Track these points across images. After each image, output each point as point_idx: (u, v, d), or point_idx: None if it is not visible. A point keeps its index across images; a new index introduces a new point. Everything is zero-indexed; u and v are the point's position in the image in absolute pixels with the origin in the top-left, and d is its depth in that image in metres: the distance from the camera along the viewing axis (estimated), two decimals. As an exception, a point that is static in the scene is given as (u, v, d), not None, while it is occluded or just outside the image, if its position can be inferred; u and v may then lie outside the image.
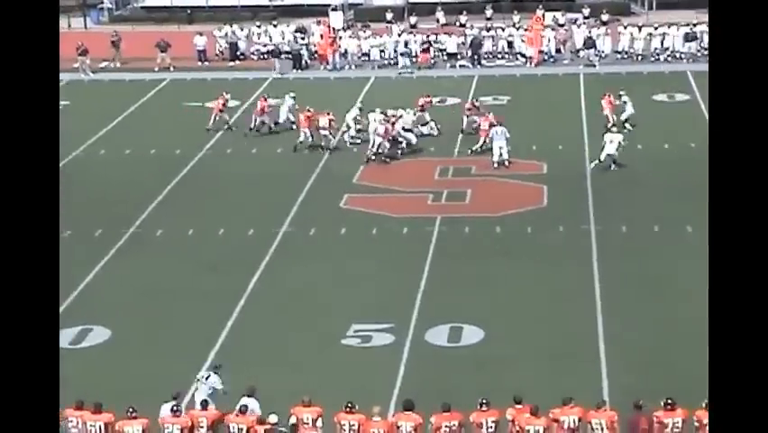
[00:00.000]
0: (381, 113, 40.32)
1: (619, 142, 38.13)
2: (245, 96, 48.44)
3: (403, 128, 40.32)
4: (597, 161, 38.27)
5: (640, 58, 53.67)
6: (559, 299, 28.56)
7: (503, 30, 56.20)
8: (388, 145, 39.71)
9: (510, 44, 55.57)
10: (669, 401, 20.49)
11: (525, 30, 55.01)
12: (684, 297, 28.34)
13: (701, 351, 25.26)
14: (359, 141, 41.24)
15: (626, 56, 54.17)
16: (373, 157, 39.44)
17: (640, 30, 54.59)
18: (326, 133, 40.76)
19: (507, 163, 38.54)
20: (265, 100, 43.60)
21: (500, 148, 38.60)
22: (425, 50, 53.83)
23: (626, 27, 55.41)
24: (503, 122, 39.40)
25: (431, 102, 43.46)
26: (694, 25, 54.16)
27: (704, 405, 20.26)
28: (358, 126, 41.66)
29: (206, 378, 22.58)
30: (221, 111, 43.64)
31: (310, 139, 40.85)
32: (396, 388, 24.05)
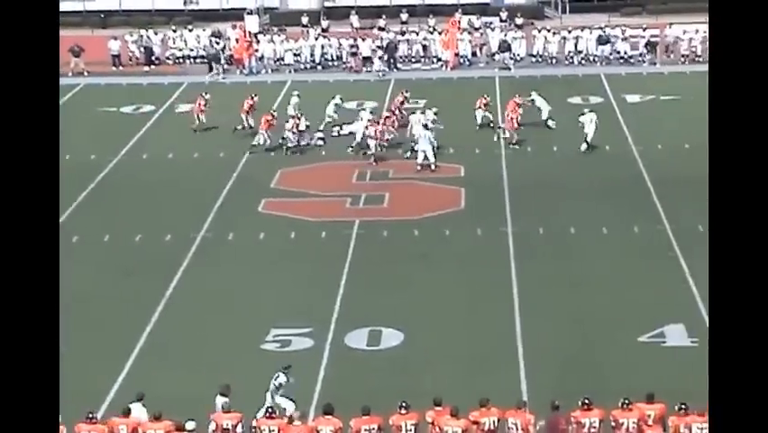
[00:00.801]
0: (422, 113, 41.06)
1: (595, 123, 39.80)
2: (160, 102, 48.12)
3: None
4: (586, 146, 39.67)
5: (554, 61, 54.14)
6: (477, 301, 28.71)
7: (417, 34, 56.41)
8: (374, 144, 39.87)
9: (426, 48, 55.81)
10: (586, 401, 20.66)
11: (441, 33, 55.24)
12: (601, 297, 28.65)
13: (618, 351, 25.73)
14: (336, 135, 41.99)
15: (540, 59, 54.61)
16: (369, 154, 39.85)
17: (553, 33, 55.08)
18: (289, 134, 40.94)
19: (433, 167, 38.66)
20: (252, 99, 43.50)
21: (424, 152, 38.74)
22: (354, 54, 53.95)
23: (540, 31, 55.87)
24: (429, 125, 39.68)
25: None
26: (606, 28, 54.86)
27: (620, 404, 20.50)
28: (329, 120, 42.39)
29: (276, 378, 22.65)
30: (201, 111, 43.78)
31: (268, 141, 40.78)
32: (315, 392, 24.02)
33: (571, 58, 54.16)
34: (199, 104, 44.08)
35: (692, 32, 54.44)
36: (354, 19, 61.44)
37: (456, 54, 54.34)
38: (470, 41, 55.13)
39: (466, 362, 25.50)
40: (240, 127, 42.87)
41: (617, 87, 48.56)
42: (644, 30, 54.74)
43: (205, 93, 45.08)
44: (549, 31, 55.63)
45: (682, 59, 53.01)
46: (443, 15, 58.70)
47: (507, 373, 24.73)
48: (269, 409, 21.12)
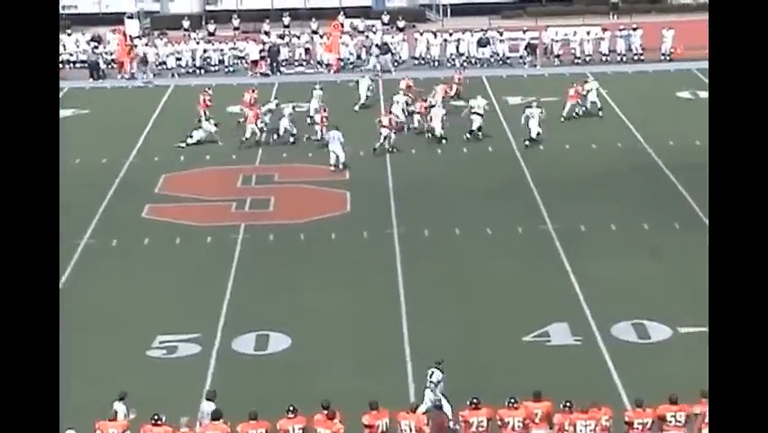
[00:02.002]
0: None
1: (539, 116, 41.24)
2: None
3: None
4: (528, 141, 40.86)
5: (436, 63, 54.51)
6: (364, 304, 28.78)
7: (298, 38, 56.40)
8: (393, 136, 40.79)
9: (308, 51, 55.81)
10: (474, 400, 20.87)
11: (323, 37, 55.29)
12: (486, 297, 28.91)
13: (503, 350, 26.00)
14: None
15: (422, 62, 54.95)
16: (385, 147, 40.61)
17: (435, 36, 55.49)
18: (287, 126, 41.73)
19: (341, 167, 38.75)
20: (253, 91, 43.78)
21: (335, 152, 38.84)
22: (263, 58, 53.74)
23: (421, 33, 56.24)
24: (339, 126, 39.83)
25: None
26: (486, 31, 55.48)
27: (507, 403, 20.73)
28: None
29: (431, 375, 22.47)
30: (207, 106, 43.99)
31: (258, 134, 41.48)
32: (203, 398, 23.86)
33: (453, 60, 54.60)
34: (204, 99, 44.20)
35: (571, 34, 55.31)
36: (236, 22, 61.16)
37: (339, 58, 54.45)
38: (353, 44, 55.31)
39: (354, 365, 25.55)
40: (198, 121, 43.12)
41: (498, 89, 49.06)
42: (525, 32, 55.43)
43: (209, 89, 45.66)
44: (431, 33, 56.00)
45: (560, 61, 53.71)
46: (326, 19, 58.75)
47: (394, 375, 24.83)
48: (436, 403, 21.52)
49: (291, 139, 41.92)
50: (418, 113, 42.97)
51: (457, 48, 54.95)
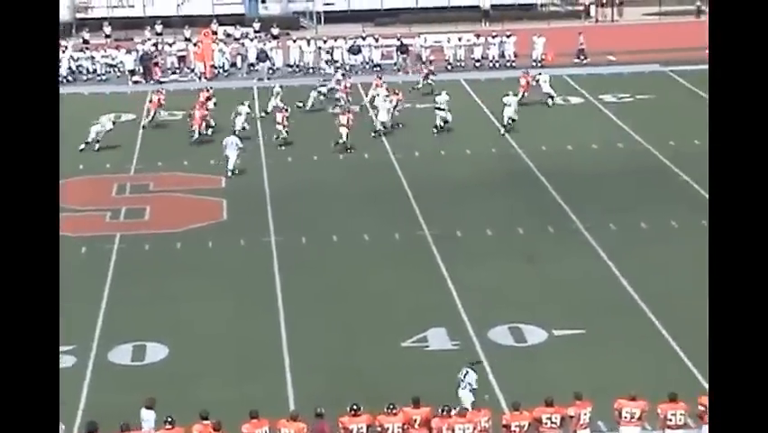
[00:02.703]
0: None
1: (515, 104, 43.48)
2: None
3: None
4: (503, 128, 42.92)
5: (311, 71, 54.52)
6: (242, 312, 28.68)
7: (170, 45, 55.98)
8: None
9: (182, 59, 55.43)
10: (354, 407, 20.93)
11: (195, 45, 54.97)
12: (364, 304, 29.01)
13: (382, 356, 26.11)
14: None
15: (297, 69, 54.95)
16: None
17: (308, 43, 55.51)
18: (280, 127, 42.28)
19: (236, 172, 38.96)
20: (206, 99, 44.15)
21: (228, 158, 38.89)
22: (156, 64, 53.21)
23: (294, 41, 56.24)
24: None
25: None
26: (362, 39, 55.68)
27: (386, 409, 20.84)
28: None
29: (465, 375, 22.57)
30: (160, 105, 45.20)
31: (197, 136, 42.35)
32: (79, 410, 23.57)
33: (334, 68, 54.69)
34: (158, 99, 45.15)
35: (444, 40, 55.81)
36: (107, 29, 60.41)
37: (212, 65, 54.19)
38: (228, 52, 55.10)
39: (232, 373, 25.45)
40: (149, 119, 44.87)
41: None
42: (398, 39, 55.74)
43: (163, 90, 47.14)
44: (305, 40, 56.02)
45: (433, 68, 54.08)
46: (199, 26, 58.39)
47: (273, 383, 24.79)
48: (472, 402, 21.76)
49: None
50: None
51: (331, 55, 55.06)
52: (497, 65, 54.70)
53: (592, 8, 64.23)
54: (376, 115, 44.04)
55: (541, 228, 33.71)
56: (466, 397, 22.47)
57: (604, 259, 31.31)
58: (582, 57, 54.59)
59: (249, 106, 43.82)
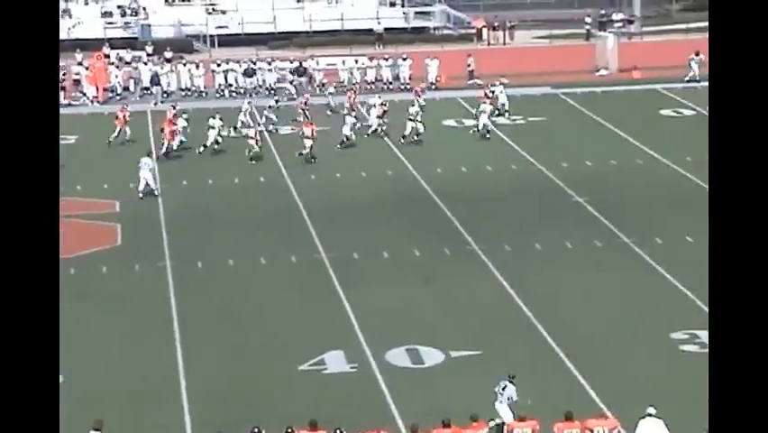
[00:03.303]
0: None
1: (491, 111, 46.30)
2: None
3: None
4: (475, 130, 45.52)
5: (204, 94, 54.29)
6: (138, 338, 28.39)
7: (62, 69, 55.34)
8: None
9: (76, 83, 54.85)
10: (254, 431, 20.86)
11: (87, 69, 54.42)
12: (261, 328, 28.90)
13: (280, 380, 26.01)
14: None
15: (189, 93, 54.68)
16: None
17: (197, 67, 55.29)
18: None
19: (155, 193, 38.78)
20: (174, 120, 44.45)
21: (144, 179, 38.84)
22: (63, 88, 52.68)
23: (185, 65, 55.99)
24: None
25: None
26: (254, 63, 55.63)
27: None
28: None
29: (503, 388, 22.61)
30: (125, 123, 45.72)
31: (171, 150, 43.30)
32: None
33: (222, 91, 54.54)
34: (124, 116, 45.75)
35: (339, 63, 55.99)
36: None
37: (105, 89, 53.71)
38: (121, 75, 54.69)
39: (128, 400, 25.15)
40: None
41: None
42: (292, 62, 55.78)
43: (127, 105, 47.91)
44: (198, 63, 55.81)
45: (326, 90, 54.17)
46: (91, 50, 57.78)
47: (170, 409, 24.57)
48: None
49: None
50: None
51: (225, 78, 54.89)
52: (390, 87, 54.97)
53: (484, 31, 64.89)
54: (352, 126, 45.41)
55: (437, 250, 33.90)
56: (504, 411, 22.65)
57: (500, 280, 31.56)
58: (474, 79, 55.13)
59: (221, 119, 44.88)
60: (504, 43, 64.57)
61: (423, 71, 55.18)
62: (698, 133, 46.34)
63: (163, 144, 43.68)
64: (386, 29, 64.09)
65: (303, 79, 54.92)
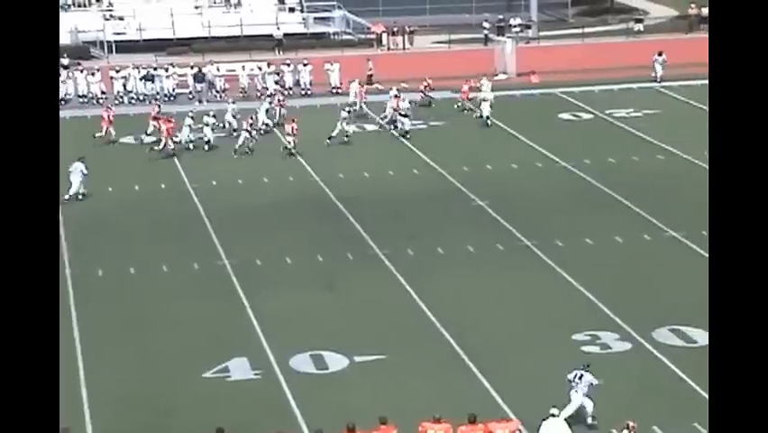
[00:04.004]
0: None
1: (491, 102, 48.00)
2: None
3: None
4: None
5: (101, 101, 53.60)
6: (38, 348, 27.99)
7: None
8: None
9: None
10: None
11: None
12: (165, 336, 28.69)
13: (184, 388, 25.84)
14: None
15: (85, 100, 54.07)
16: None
17: (93, 74, 54.69)
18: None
19: (80, 197, 39.07)
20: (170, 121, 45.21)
21: (73, 183, 38.84)
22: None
23: (82, 71, 55.36)
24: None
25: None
26: (154, 69, 55.20)
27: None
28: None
29: (579, 377, 23.25)
30: (110, 123, 46.43)
31: (172, 146, 44.22)
32: None
33: (122, 97, 54.04)
34: (109, 116, 46.55)
35: (239, 68, 55.80)
36: None
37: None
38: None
39: (30, 411, 24.79)
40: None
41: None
42: (192, 68, 55.44)
43: (111, 106, 48.67)
44: (95, 71, 55.24)
45: (227, 96, 53.95)
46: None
47: (71, 418, 24.22)
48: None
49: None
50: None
51: (124, 85, 54.41)
52: (291, 93, 54.85)
53: (384, 36, 65.07)
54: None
55: (340, 255, 33.91)
56: (577, 399, 23.20)
57: (403, 284, 31.67)
58: (372, 83, 55.27)
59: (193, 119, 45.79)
60: (404, 48, 64.79)
61: (324, 77, 55.17)
62: (596, 136, 47.12)
63: (161, 141, 44.58)
64: (285, 34, 63.96)
65: (203, 85, 54.62)
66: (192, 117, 46.04)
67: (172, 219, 37.52)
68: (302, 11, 68.03)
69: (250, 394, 25.50)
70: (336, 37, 66.70)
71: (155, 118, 46.38)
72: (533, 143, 45.54)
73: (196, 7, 66.32)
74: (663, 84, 54.85)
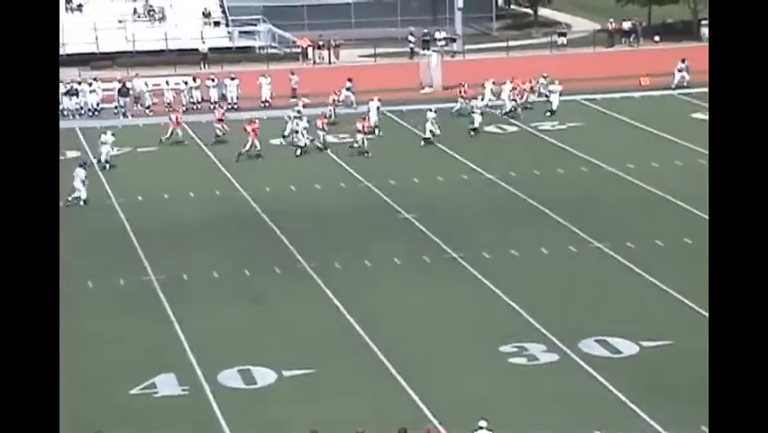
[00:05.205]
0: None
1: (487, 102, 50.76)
2: None
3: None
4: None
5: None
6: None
7: None
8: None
9: None
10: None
11: None
12: (91, 352, 28.43)
13: (110, 404, 25.61)
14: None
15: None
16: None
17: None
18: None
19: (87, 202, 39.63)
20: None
21: (74, 188, 39.17)
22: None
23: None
24: None
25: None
26: (78, 84, 54.83)
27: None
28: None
29: None
30: (178, 125, 48.13)
31: (257, 147, 45.36)
32: None
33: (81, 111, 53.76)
34: (177, 117, 48.26)
35: (163, 83, 55.56)
36: None
37: None
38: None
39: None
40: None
41: (91, 140, 48.19)
42: (119, 82, 55.07)
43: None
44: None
45: (151, 112, 53.63)
46: None
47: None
48: None
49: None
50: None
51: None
52: (216, 107, 54.60)
53: (310, 50, 65.11)
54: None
55: (267, 269, 33.83)
56: None
57: (330, 297, 31.66)
58: (295, 97, 55.21)
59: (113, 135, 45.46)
60: (329, 62, 64.87)
61: (253, 90, 55.03)
62: (521, 148, 47.46)
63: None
64: (210, 49, 63.76)
65: (127, 100, 54.24)
66: (113, 134, 45.38)
67: (97, 234, 37.21)
68: (227, 25, 67.95)
69: (178, 410, 25.35)
70: (262, 51, 66.63)
71: (220, 120, 48.44)
72: (459, 156, 45.76)
73: (120, 21, 65.96)
74: (587, 96, 55.39)
